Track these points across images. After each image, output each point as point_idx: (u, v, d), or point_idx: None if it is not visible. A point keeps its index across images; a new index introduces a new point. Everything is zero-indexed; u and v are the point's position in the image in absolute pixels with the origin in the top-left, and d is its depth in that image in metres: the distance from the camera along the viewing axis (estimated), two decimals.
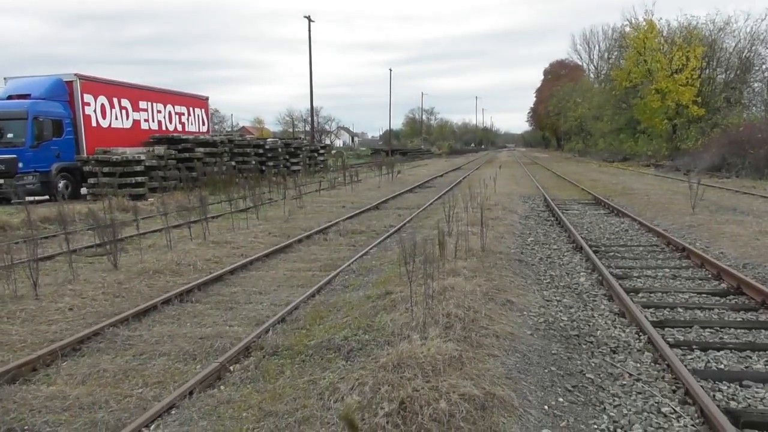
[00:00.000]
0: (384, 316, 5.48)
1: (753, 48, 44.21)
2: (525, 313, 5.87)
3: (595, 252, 9.93)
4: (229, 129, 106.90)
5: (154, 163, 20.35)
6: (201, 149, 23.33)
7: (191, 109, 28.21)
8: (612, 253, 10.01)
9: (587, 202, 18.50)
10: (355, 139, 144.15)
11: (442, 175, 34.44)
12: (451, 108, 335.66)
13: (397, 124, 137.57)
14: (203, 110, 29.46)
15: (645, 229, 12.38)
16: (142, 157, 19.73)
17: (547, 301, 6.57)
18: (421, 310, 5.30)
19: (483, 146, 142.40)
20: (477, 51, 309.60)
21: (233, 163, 25.65)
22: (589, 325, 5.80)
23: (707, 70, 44.89)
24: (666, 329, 6.00)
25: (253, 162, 27.66)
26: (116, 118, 22.20)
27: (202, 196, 13.59)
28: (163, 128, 25.20)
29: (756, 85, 46.64)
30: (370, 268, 8.48)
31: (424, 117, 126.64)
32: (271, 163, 29.75)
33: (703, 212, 13.91)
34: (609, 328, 5.77)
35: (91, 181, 19.24)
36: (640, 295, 7.35)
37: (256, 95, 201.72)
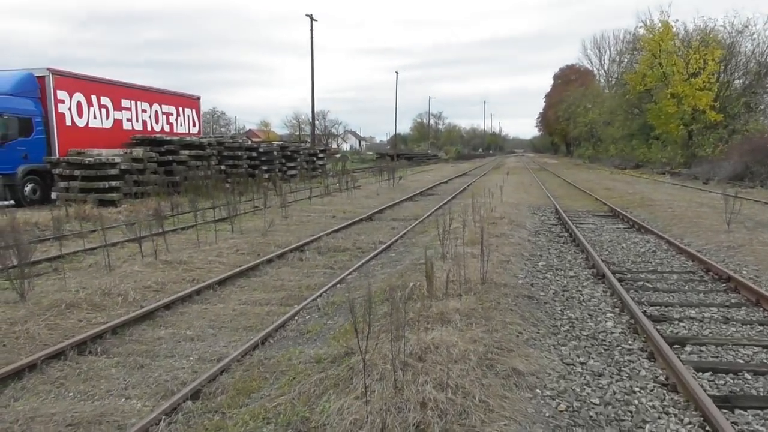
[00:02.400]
0: (331, 402, 3.75)
1: None
2: (538, 391, 4.13)
3: (620, 280, 8.18)
4: (235, 131, 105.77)
5: (132, 166, 18.71)
6: (186, 152, 21.66)
7: (181, 109, 26.58)
8: (641, 283, 8.25)
9: (603, 214, 16.72)
10: (362, 143, 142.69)
11: (446, 182, 32.68)
12: (460, 113, 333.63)
13: (405, 128, 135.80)
14: (194, 110, 27.84)
15: (675, 250, 10.60)
16: (117, 160, 18.09)
17: (568, 365, 4.82)
18: (384, 397, 3.57)
19: (491, 151, 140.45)
20: (486, 56, 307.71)
21: (222, 167, 24.01)
22: (630, 412, 4.05)
23: (725, 74, 42.98)
24: (737, 412, 4.26)
25: (245, 166, 25.98)
26: (94, 117, 20.56)
27: (158, 207, 11.91)
28: (149, 129, 23.58)
29: None
30: (340, 304, 6.76)
31: (432, 121, 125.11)
32: (265, 168, 28.09)
33: (739, 229, 12.11)
34: (660, 417, 4.02)
35: (62, 185, 17.62)
36: (688, 349, 5.59)
37: (264, 98, 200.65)
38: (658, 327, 6.15)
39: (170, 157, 21.00)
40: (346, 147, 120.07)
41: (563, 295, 7.18)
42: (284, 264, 9.64)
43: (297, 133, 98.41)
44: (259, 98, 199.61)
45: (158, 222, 10.61)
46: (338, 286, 7.87)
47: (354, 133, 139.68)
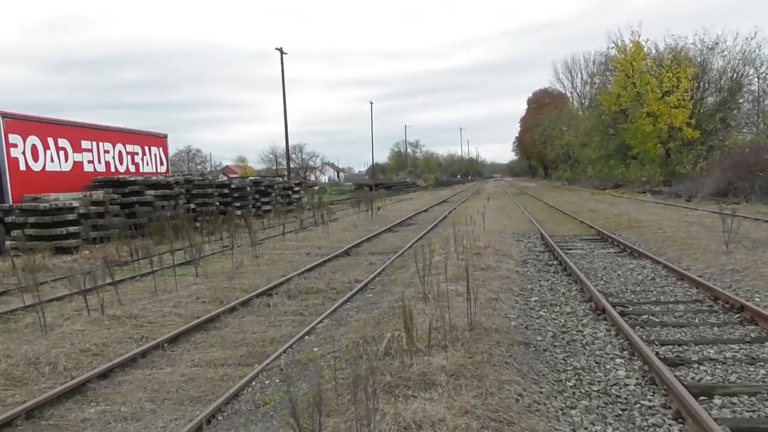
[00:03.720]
0: None
1: (744, 68, 42.50)
2: None
3: (622, 314, 7.33)
4: (211, 168, 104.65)
5: (92, 210, 17.62)
6: (152, 192, 20.59)
7: (147, 148, 25.55)
8: (645, 317, 7.40)
9: (591, 238, 15.96)
10: (341, 174, 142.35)
11: (426, 210, 31.89)
12: (437, 140, 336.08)
13: (384, 158, 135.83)
14: (161, 149, 26.82)
15: (675, 276, 9.80)
16: (75, 204, 17.00)
17: None
18: None
19: (470, 177, 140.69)
20: (461, 84, 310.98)
21: (192, 206, 22.95)
22: None
23: (698, 91, 43.12)
24: None
25: (217, 204, 24.95)
26: (52, 160, 19.45)
27: (111, 253, 10.88)
28: (113, 170, 22.51)
29: (746, 105, 44.93)
30: (306, 363, 5.79)
31: (409, 150, 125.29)
32: (238, 204, 27.08)
33: (738, 250, 11.37)
34: None
35: (15, 233, 16.46)
36: (717, 402, 4.71)
37: (241, 134, 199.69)
38: (678, 374, 5.27)
39: (135, 198, 19.94)
40: (324, 179, 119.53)
41: (563, 338, 6.28)
42: (249, 312, 8.64)
43: (274, 167, 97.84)
44: (236, 134, 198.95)
45: (108, 270, 9.56)
46: (306, 338, 6.89)
47: (332, 165, 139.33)
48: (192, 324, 7.65)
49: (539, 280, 9.88)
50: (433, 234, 18.31)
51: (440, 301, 7.13)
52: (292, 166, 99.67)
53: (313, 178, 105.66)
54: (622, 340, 6.29)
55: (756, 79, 43.07)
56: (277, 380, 5.37)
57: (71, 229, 16.67)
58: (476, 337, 5.76)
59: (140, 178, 21.16)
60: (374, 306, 8.22)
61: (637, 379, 5.18)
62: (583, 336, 6.46)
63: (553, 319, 7.21)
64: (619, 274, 10.23)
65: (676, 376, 5.12)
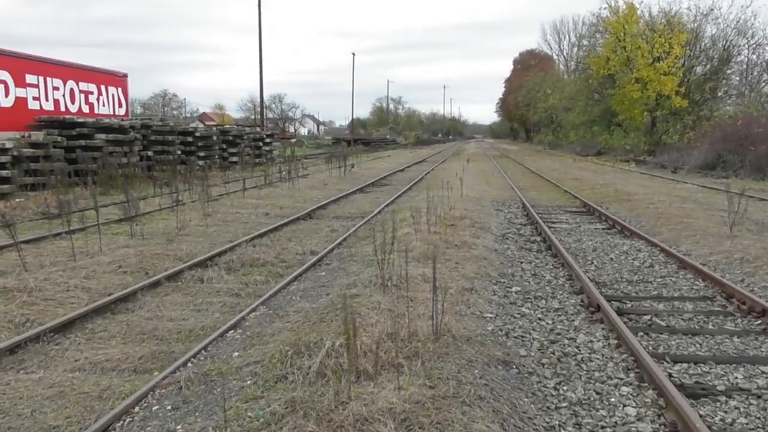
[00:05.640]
0: None
1: (737, 37, 41.09)
2: None
3: (620, 313, 6.07)
4: (188, 115, 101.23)
5: (30, 153, 15.84)
6: (103, 136, 18.76)
7: (104, 87, 23.52)
8: (648, 318, 6.13)
9: (576, 210, 14.69)
10: (321, 127, 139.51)
11: (402, 170, 30.42)
12: (420, 98, 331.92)
13: (365, 113, 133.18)
14: (120, 89, 24.77)
15: (676, 263, 8.55)
16: (9, 145, 15.21)
17: None
18: None
19: (451, 137, 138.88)
20: (447, 41, 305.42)
21: (149, 154, 21.18)
22: None
23: (689, 59, 41.73)
24: None
25: (178, 153, 23.15)
26: None
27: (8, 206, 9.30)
28: (62, 109, 20.56)
29: (734, 78, 43.74)
30: (217, 379, 4.37)
31: (391, 106, 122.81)
32: (202, 154, 25.31)
33: (743, 234, 10.16)
34: None
35: None
36: None
37: (221, 81, 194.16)
38: (703, 412, 4.00)
39: (83, 142, 18.13)
40: (304, 131, 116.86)
41: (552, 353, 4.94)
42: (175, 289, 7.19)
43: (252, 116, 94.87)
44: (215, 80, 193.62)
45: (9, 231, 8.00)
46: (230, 334, 5.48)
47: (312, 117, 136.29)
48: (97, 304, 6.19)
49: (521, 262, 8.56)
50: (407, 198, 16.91)
51: (402, 291, 5.78)
52: (270, 116, 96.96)
53: (292, 129, 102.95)
54: (625, 355, 5.00)
55: (746, 50, 41.84)
56: (169, 406, 3.96)
57: (2, 173, 14.93)
58: (442, 350, 4.41)
59: (90, 119, 19.27)
60: (323, 290, 6.81)
61: (652, 420, 3.89)
62: (577, 347, 5.15)
63: (539, 319, 5.88)
64: (612, 258, 8.95)
65: (702, 418, 3.85)
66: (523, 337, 5.24)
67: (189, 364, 4.70)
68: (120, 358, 4.93)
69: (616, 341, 5.33)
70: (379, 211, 13.97)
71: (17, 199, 14.53)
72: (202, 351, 4.99)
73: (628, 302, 6.75)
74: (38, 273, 7.41)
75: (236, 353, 4.83)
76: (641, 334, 5.64)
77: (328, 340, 4.41)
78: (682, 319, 6.14)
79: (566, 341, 5.25)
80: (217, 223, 12.07)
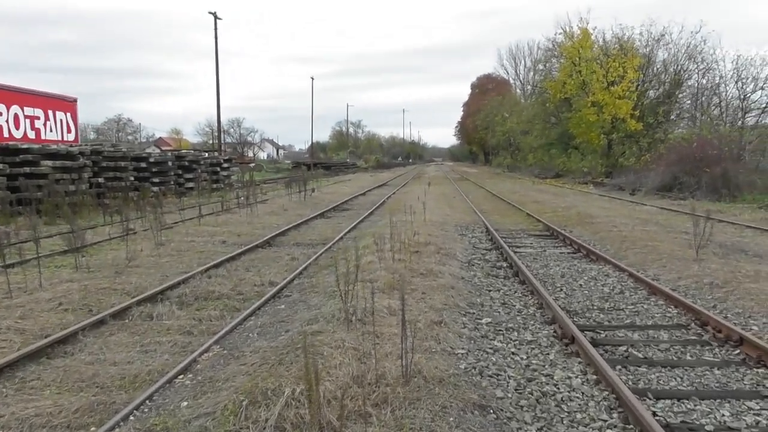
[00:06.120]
0: None
1: (687, 62, 42.33)
2: None
3: (594, 344, 5.79)
4: (144, 140, 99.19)
5: None
6: (49, 162, 17.94)
7: (51, 112, 22.67)
8: (624, 349, 5.87)
9: (540, 234, 14.55)
10: (281, 151, 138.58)
11: (364, 194, 30.11)
12: (380, 121, 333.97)
13: (325, 137, 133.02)
14: (69, 114, 23.94)
15: (646, 289, 8.37)
16: None
17: None
18: None
19: (411, 160, 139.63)
20: (406, 65, 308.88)
21: (100, 181, 20.36)
22: None
23: (643, 83, 42.79)
24: None
25: (131, 179, 22.36)
26: None
27: None
28: (5, 135, 19.68)
29: (686, 101, 44.98)
30: (171, 429, 3.90)
31: (351, 130, 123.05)
32: (157, 180, 24.53)
33: (709, 257, 10.10)
34: None
35: None
36: None
37: (177, 106, 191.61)
38: None
39: (27, 170, 17.28)
40: (263, 156, 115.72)
41: (530, 394, 4.60)
42: (121, 328, 6.64)
43: (210, 141, 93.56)
44: (173, 106, 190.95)
45: None
46: (179, 379, 4.99)
47: (272, 142, 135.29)
48: (30, 349, 5.61)
49: (489, 290, 8.26)
50: (369, 223, 16.56)
51: (368, 326, 5.39)
52: (228, 140, 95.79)
53: (251, 154, 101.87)
54: (606, 392, 4.70)
55: (696, 74, 43.12)
56: None
57: None
58: (413, 395, 4.02)
59: (36, 145, 18.41)
60: (283, 326, 6.36)
61: None
62: (555, 385, 4.82)
63: (513, 354, 5.55)
64: (581, 284, 8.73)
65: None
66: (498, 375, 4.90)
67: (131, 418, 4.20)
68: (52, 412, 4.39)
69: (594, 376, 5.03)
70: (341, 238, 13.57)
71: None
72: (147, 401, 4.49)
73: (602, 332, 6.49)
74: None
75: (185, 403, 4.35)
76: (619, 367, 5.36)
77: (287, 387, 3.99)
78: (658, 349, 5.90)
79: (543, 378, 4.92)
80: (171, 253, 11.48)
